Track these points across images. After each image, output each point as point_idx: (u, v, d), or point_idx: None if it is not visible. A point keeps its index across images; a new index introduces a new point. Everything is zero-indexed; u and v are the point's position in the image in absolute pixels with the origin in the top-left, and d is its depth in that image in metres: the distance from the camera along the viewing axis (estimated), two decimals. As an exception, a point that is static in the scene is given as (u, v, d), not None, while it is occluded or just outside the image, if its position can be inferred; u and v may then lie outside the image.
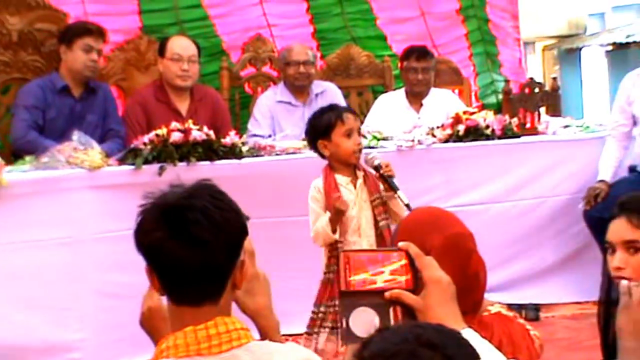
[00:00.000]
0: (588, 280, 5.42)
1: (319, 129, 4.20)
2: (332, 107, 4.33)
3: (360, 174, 4.21)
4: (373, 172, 4.21)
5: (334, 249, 4.11)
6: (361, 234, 4.15)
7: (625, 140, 5.48)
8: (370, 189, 4.17)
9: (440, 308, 1.76)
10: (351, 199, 4.15)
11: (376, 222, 4.16)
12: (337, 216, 4.05)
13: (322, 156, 4.23)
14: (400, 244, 1.85)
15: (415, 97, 6.03)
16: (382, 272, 1.80)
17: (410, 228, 2.24)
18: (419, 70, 5.98)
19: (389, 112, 5.94)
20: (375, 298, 1.77)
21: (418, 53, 6.03)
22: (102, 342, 4.69)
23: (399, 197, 4.07)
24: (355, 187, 4.18)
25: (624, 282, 2.07)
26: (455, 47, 7.20)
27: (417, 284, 1.79)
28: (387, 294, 1.76)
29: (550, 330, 5.06)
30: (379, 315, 1.76)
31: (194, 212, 1.78)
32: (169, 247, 1.77)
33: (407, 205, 4.00)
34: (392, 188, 4.11)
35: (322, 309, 4.10)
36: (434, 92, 6.11)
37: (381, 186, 4.19)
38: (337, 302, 3.82)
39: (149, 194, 1.83)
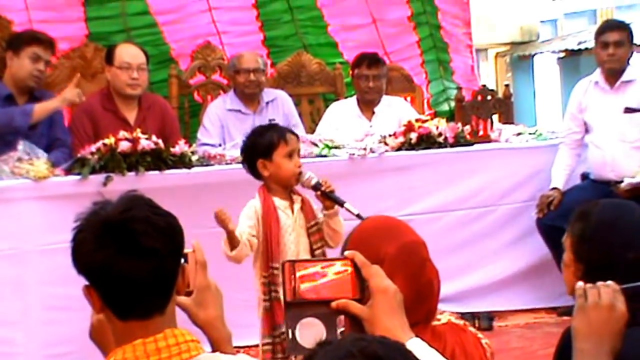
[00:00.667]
0: (542, 289, 5.52)
1: (260, 148, 4.10)
2: (273, 126, 4.24)
3: (297, 198, 4.13)
4: (312, 192, 4.13)
5: (268, 276, 4.04)
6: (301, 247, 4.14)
7: (577, 147, 5.57)
8: (307, 216, 4.10)
9: (388, 318, 1.77)
10: (289, 224, 4.07)
11: (312, 250, 4.10)
12: (228, 235, 3.97)
13: (258, 177, 4.13)
14: (346, 252, 1.86)
15: (367, 105, 6.06)
16: (328, 282, 1.81)
17: (363, 236, 2.25)
18: (370, 78, 6.00)
19: (341, 121, 5.97)
20: (322, 308, 1.78)
21: (369, 60, 6.05)
22: (49, 356, 4.65)
23: (347, 209, 4.01)
24: (292, 212, 4.10)
25: (579, 284, 2.10)
26: (407, 55, 7.26)
27: (363, 294, 1.81)
28: (333, 304, 1.77)
29: (504, 340, 5.11)
30: (325, 326, 1.77)
31: (138, 222, 1.77)
32: (118, 264, 1.75)
33: (358, 215, 3.91)
34: (338, 203, 4.05)
35: (267, 340, 4.02)
36: (386, 99, 6.14)
37: (319, 207, 4.12)
38: (282, 332, 3.82)
39: (80, 214, 1.80)
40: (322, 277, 1.81)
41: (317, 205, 4.16)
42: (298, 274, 1.80)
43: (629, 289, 2.06)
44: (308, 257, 4.04)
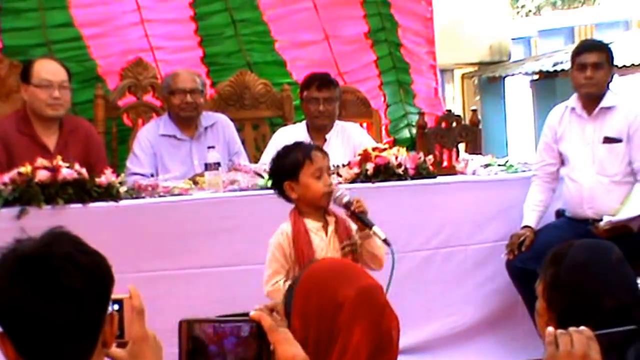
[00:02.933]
0: (515, 339, 5.54)
1: (285, 169, 4.24)
2: (299, 145, 4.38)
3: (331, 219, 4.27)
4: (343, 210, 4.28)
5: None
6: None
7: (552, 181, 5.62)
8: (342, 237, 4.24)
9: None
10: (322, 247, 4.22)
11: None
12: None
13: (289, 200, 4.27)
14: (252, 313, 1.89)
15: (318, 131, 6.07)
16: (231, 345, 1.83)
17: (316, 278, 2.28)
18: (320, 101, 6.01)
19: None
20: None
21: (319, 81, 6.07)
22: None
23: (375, 233, 4.15)
24: (326, 233, 4.24)
25: (549, 329, 2.12)
26: (363, 75, 7.32)
27: (267, 358, 1.83)
28: None
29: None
30: None
31: (58, 259, 1.77)
32: (31, 304, 1.75)
33: (385, 241, 4.12)
34: (367, 225, 4.19)
35: None
36: (339, 125, 6.16)
37: (354, 226, 4.27)
38: None
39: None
40: (222, 340, 1.83)
41: (355, 226, 4.29)
42: (199, 336, 1.83)
43: (604, 336, 2.10)
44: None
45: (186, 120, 5.92)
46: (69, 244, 1.83)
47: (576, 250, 2.52)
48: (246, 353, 1.84)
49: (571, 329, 2.08)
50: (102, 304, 1.85)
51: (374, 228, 4.17)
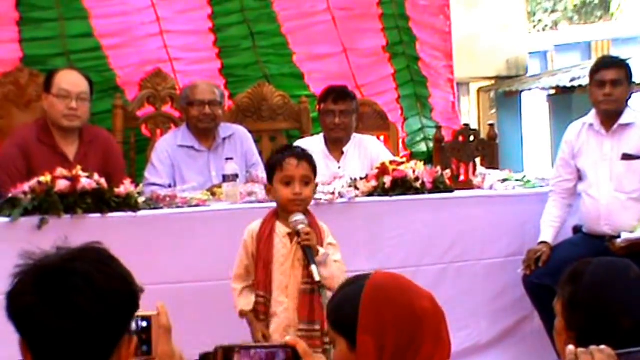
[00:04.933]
0: (526, 354, 5.54)
1: (267, 171, 4.50)
2: (284, 149, 4.54)
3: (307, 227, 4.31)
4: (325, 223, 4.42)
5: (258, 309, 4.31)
6: (288, 294, 4.25)
7: (569, 197, 5.62)
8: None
9: None
10: (282, 253, 4.28)
11: (301, 284, 4.29)
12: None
13: None
14: (288, 339, 1.93)
15: (335, 144, 6.08)
16: None
17: (389, 294, 2.32)
18: (336, 114, 6.01)
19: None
20: None
21: (336, 94, 6.07)
22: None
23: (311, 271, 4.17)
24: (291, 241, 4.29)
25: (570, 347, 2.13)
26: (381, 88, 7.33)
27: None
28: None
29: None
30: None
31: (74, 276, 1.79)
32: (40, 315, 1.77)
33: (318, 282, 4.13)
34: (307, 259, 4.22)
35: None
36: (356, 138, 6.15)
37: (333, 240, 4.36)
38: None
39: (30, 253, 1.84)
40: None
41: (330, 238, 4.36)
42: None
43: (624, 355, 2.11)
44: (298, 289, 4.27)
45: (204, 132, 5.92)
46: (92, 262, 1.83)
47: (594, 269, 2.53)
48: None
49: (592, 347, 2.09)
50: (116, 328, 1.85)
51: (312, 267, 4.18)
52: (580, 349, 2.10)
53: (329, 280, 4.19)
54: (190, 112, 5.90)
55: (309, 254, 4.21)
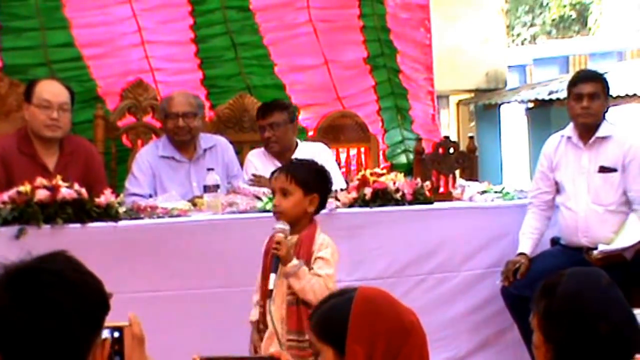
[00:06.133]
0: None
1: None
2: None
3: (294, 237, 4.30)
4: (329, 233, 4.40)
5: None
6: (275, 304, 4.23)
7: (547, 209, 5.63)
8: (297, 255, 4.26)
9: None
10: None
11: (287, 295, 4.28)
12: None
13: None
14: (273, 351, 1.93)
15: (281, 156, 6.03)
16: None
17: (378, 307, 2.37)
18: (266, 128, 6.05)
19: (261, 171, 5.96)
20: None
21: (263, 109, 6.12)
22: None
23: (271, 279, 4.18)
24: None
25: None
26: (361, 100, 7.33)
27: None
28: None
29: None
30: None
31: (48, 274, 1.78)
32: (15, 315, 1.75)
33: (270, 291, 4.15)
34: (271, 266, 4.22)
35: None
36: (303, 146, 6.17)
37: (326, 255, 4.31)
38: None
39: None
40: None
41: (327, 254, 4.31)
42: None
43: None
44: (284, 299, 4.25)
45: (182, 144, 5.90)
46: (62, 262, 1.83)
47: (567, 280, 2.53)
48: None
49: None
50: (90, 326, 1.84)
51: (271, 275, 4.20)
52: None
53: (301, 292, 4.20)
54: (167, 125, 5.88)
55: (273, 263, 4.21)
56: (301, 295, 4.20)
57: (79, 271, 1.83)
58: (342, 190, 5.48)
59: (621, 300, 2.53)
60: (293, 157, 5.95)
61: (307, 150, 6.13)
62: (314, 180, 4.38)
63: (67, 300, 1.77)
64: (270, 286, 4.16)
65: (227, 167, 5.98)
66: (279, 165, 5.90)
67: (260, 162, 6.10)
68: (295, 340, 4.20)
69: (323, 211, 5.22)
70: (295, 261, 4.23)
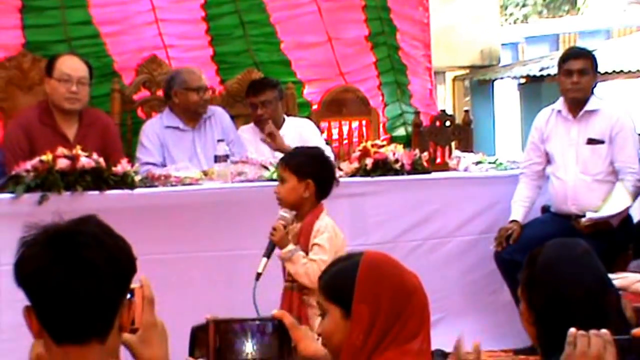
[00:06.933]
0: (498, 326, 5.56)
1: None
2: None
3: (297, 226, 4.28)
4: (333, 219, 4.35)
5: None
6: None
7: (538, 179, 5.64)
8: (297, 243, 4.24)
9: None
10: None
11: (286, 278, 4.30)
12: None
13: None
14: (275, 312, 1.93)
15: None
16: (255, 343, 1.86)
17: (383, 270, 2.38)
18: (257, 105, 6.06)
19: (250, 144, 5.99)
20: None
21: (255, 87, 6.14)
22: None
23: (261, 261, 4.19)
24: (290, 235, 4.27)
25: (571, 330, 2.11)
26: (363, 76, 7.30)
27: (290, 354, 1.86)
28: None
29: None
30: None
31: (84, 235, 1.79)
32: (54, 273, 1.76)
33: (258, 274, 4.15)
34: (266, 251, 4.22)
35: None
36: (289, 122, 6.18)
37: (324, 242, 4.24)
38: None
39: (32, 224, 1.83)
40: (248, 338, 1.86)
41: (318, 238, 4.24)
42: (223, 332, 1.86)
43: (622, 341, 2.08)
44: (283, 285, 4.27)
45: (195, 114, 5.91)
46: (96, 225, 1.84)
47: (546, 250, 2.56)
48: (270, 349, 1.86)
49: (592, 331, 2.10)
50: (121, 286, 1.84)
51: (262, 259, 4.20)
52: (580, 332, 2.10)
53: (296, 276, 4.18)
54: (190, 97, 5.86)
55: (267, 248, 4.22)
56: (297, 278, 4.19)
57: (111, 234, 1.83)
58: (344, 161, 5.55)
59: (596, 267, 2.54)
60: (280, 132, 5.97)
61: (294, 125, 6.15)
62: (307, 166, 4.28)
63: (102, 262, 1.77)
64: (259, 270, 4.16)
65: (226, 132, 5.97)
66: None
67: (251, 137, 6.12)
68: None
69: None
70: (290, 246, 4.19)
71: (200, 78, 5.91)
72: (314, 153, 4.46)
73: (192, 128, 5.93)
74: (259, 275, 4.15)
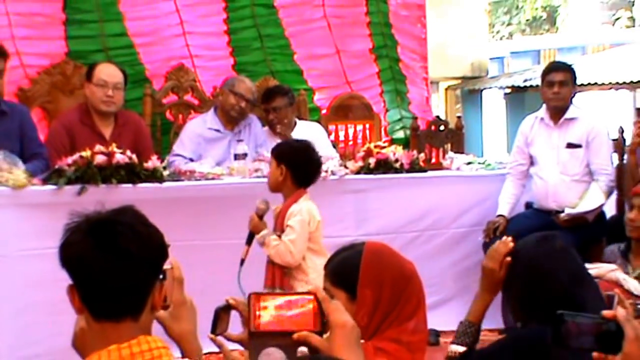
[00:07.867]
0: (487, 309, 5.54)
1: None
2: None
3: (277, 208, 4.30)
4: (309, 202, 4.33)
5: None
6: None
7: (523, 178, 5.63)
8: (275, 226, 4.27)
9: (344, 350, 1.82)
10: (270, 227, 4.27)
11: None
12: None
13: None
14: (309, 287, 1.91)
15: (280, 134, 5.99)
16: (291, 315, 1.85)
17: (384, 257, 2.38)
18: (270, 111, 6.03)
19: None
20: (284, 339, 1.82)
21: (266, 94, 6.09)
22: (18, 358, 4.58)
23: (244, 247, 4.21)
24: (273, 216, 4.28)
25: (621, 312, 1.74)
26: (367, 84, 7.29)
27: (324, 327, 1.84)
28: (294, 336, 1.82)
29: (449, 354, 5.12)
30: (287, 355, 1.82)
31: (121, 225, 1.79)
32: (93, 257, 1.77)
33: (241, 260, 4.16)
34: (247, 238, 4.23)
35: None
36: (300, 125, 6.15)
37: (297, 224, 4.24)
38: None
39: (75, 213, 1.83)
40: (286, 310, 1.85)
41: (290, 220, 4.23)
42: (262, 305, 1.84)
43: (585, 319, 1.76)
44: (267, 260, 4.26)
45: (231, 118, 5.89)
46: (132, 215, 1.85)
47: (526, 246, 2.56)
48: (306, 320, 1.84)
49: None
50: (153, 270, 1.85)
51: (245, 246, 4.23)
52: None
53: (271, 257, 4.22)
54: (228, 98, 5.84)
55: (248, 236, 4.25)
56: (271, 258, 4.21)
57: (145, 224, 1.84)
58: (349, 160, 5.54)
59: (572, 262, 2.52)
60: (292, 134, 5.96)
61: (304, 128, 6.14)
62: (283, 152, 4.27)
63: (136, 249, 1.78)
64: (242, 256, 4.18)
65: (256, 137, 5.99)
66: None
67: (265, 138, 6.08)
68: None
69: (333, 177, 5.25)
70: (263, 232, 4.20)
71: (248, 89, 5.89)
72: (294, 143, 4.48)
73: (230, 132, 5.90)
74: (242, 260, 4.17)
